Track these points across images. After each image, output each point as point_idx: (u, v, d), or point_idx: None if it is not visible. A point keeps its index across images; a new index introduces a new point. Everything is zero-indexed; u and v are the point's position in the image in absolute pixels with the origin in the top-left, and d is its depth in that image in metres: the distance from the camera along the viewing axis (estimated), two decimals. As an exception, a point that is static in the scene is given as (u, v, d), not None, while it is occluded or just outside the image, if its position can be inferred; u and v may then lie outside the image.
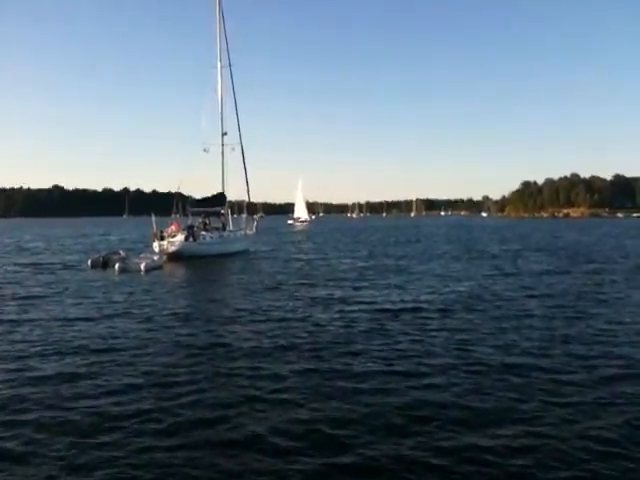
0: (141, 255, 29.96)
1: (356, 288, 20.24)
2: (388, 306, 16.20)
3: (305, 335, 12.41)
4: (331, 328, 13.24)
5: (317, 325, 13.55)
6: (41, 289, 19.96)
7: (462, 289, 19.64)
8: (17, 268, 27.60)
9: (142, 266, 26.16)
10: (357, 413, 7.67)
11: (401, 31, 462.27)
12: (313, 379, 9.21)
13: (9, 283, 21.85)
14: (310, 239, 60.22)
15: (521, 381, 9.09)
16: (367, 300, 17.43)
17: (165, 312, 15.39)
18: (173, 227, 34.27)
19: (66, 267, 28.06)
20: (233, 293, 19.52)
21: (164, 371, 9.63)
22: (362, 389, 8.72)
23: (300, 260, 32.66)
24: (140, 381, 9.05)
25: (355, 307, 16.17)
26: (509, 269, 26.12)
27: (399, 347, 11.32)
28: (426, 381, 9.12)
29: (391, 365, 10.02)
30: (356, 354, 10.79)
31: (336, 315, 14.89)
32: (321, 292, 19.17)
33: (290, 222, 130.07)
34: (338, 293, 18.92)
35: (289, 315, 14.93)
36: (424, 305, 16.33)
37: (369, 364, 10.12)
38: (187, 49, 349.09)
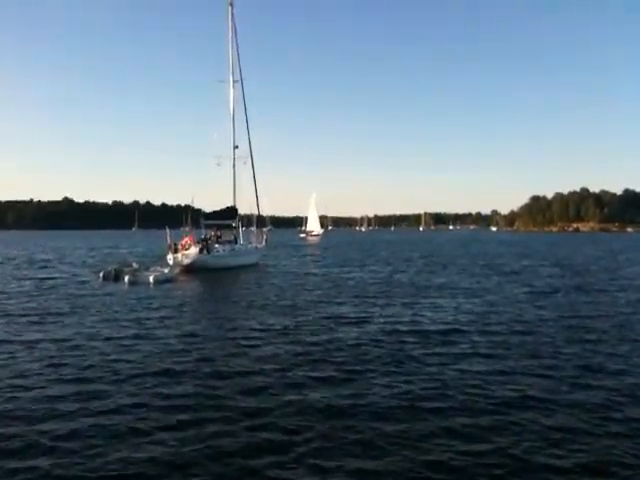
0: (152, 268, 29.96)
1: (382, 306, 19.08)
2: (425, 327, 15.12)
3: (329, 365, 11.00)
4: (363, 355, 11.83)
5: (343, 350, 12.31)
6: (51, 304, 19.63)
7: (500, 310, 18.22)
8: (28, 282, 27.45)
9: (151, 279, 26.15)
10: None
11: (408, 42, 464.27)
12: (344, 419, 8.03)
13: (16, 298, 21.51)
14: (323, 253, 59.66)
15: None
16: (401, 320, 16.19)
17: (164, 331, 14.47)
18: (188, 240, 34.40)
19: (78, 280, 28.02)
20: (243, 311, 18.17)
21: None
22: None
23: (315, 275, 32.05)
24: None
25: (383, 327, 15.11)
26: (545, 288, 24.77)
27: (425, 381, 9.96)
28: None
29: (418, 401, 8.82)
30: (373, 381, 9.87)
31: (367, 338, 13.61)
32: (342, 310, 18.18)
33: (302, 235, 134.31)
34: (365, 311, 17.82)
35: (305, 336, 13.88)
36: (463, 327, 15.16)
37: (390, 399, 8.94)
38: (200, 64, 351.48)
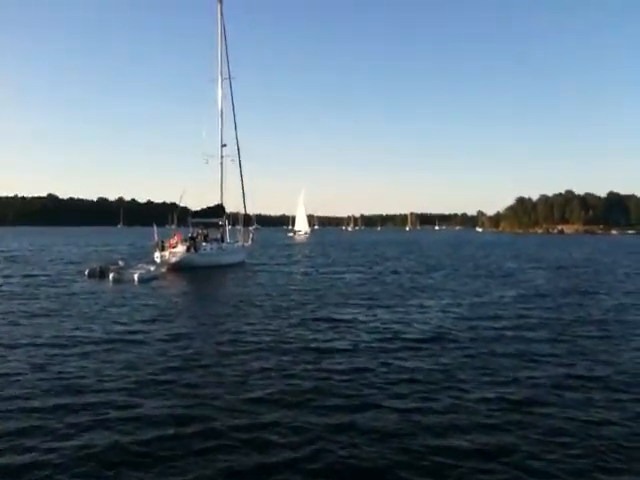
0: (138, 266, 29.71)
1: (369, 307, 18.79)
2: (413, 333, 14.39)
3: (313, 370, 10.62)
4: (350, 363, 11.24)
5: (330, 354, 11.92)
6: (31, 302, 19.24)
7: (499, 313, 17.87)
8: (12, 280, 26.96)
9: (135, 277, 26.01)
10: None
11: (401, 44, 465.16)
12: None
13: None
14: (311, 253, 59.38)
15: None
16: (388, 322, 15.84)
17: (143, 335, 13.95)
18: (176, 238, 34.24)
19: (63, 278, 27.66)
20: (228, 312, 17.64)
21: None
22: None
23: (303, 274, 31.95)
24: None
25: (371, 328, 14.89)
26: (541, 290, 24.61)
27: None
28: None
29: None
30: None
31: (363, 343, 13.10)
32: (329, 313, 17.60)
33: (290, 235, 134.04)
34: (359, 315, 17.21)
35: (281, 339, 13.39)
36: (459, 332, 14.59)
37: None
38: (187, 61, 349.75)
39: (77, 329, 14.37)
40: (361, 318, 16.60)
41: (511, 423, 7.90)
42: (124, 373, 10.21)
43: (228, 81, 39.26)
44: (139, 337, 13.46)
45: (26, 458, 6.63)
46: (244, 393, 9.13)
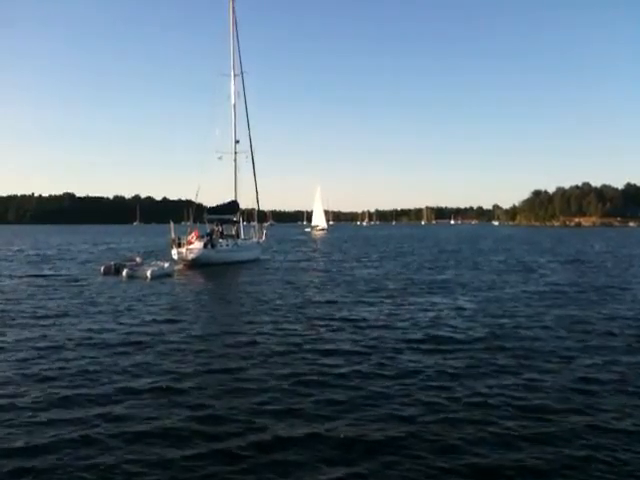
0: (152, 262, 29.91)
1: (397, 305, 17.89)
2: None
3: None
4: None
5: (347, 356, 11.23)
6: (42, 301, 19.12)
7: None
8: (26, 279, 27.15)
9: (148, 273, 26.18)
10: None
11: (411, 41, 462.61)
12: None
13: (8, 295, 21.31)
14: (331, 248, 58.41)
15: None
16: (415, 323, 14.80)
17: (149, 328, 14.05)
18: (194, 234, 34.31)
19: (79, 275, 27.94)
20: (242, 312, 16.92)
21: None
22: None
23: (323, 271, 31.05)
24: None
25: (390, 332, 13.69)
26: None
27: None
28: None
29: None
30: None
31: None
32: (355, 311, 16.80)
33: (307, 230, 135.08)
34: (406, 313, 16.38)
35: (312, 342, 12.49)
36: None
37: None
38: (201, 58, 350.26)
39: (77, 328, 14.08)
40: (384, 317, 15.71)
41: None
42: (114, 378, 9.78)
43: (240, 77, 39.33)
44: (141, 338, 12.91)
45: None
46: (257, 405, 8.37)
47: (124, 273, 26.45)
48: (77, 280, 25.23)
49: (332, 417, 7.86)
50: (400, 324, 14.69)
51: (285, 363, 10.64)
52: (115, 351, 11.57)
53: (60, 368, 10.26)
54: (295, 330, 13.88)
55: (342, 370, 10.23)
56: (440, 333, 13.51)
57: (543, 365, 10.55)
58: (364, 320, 15.29)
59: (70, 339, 12.70)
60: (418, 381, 9.57)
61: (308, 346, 12.09)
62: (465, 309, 17.26)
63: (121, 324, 14.67)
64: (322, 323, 14.88)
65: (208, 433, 7.30)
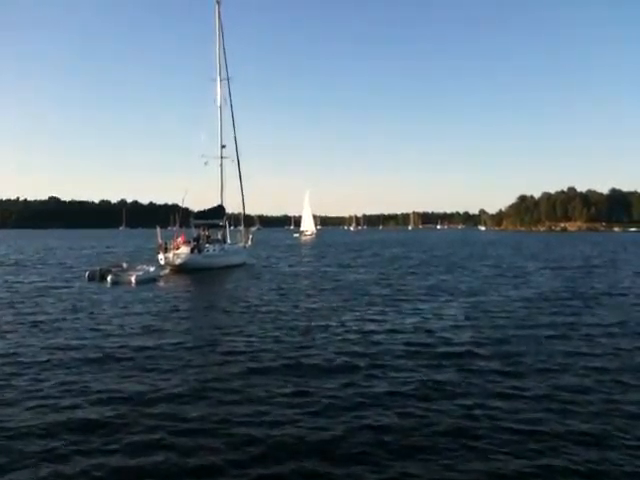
0: (138, 267, 29.63)
1: (381, 314, 17.36)
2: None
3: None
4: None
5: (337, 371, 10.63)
6: (23, 307, 19.03)
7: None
8: (7, 285, 26.91)
9: (133, 278, 25.97)
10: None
11: (401, 44, 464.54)
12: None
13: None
14: (319, 253, 58.15)
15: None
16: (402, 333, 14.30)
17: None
18: (180, 239, 34.18)
19: (63, 280, 27.68)
20: (226, 320, 16.35)
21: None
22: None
23: (311, 276, 30.71)
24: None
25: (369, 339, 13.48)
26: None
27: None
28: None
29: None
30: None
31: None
32: (345, 318, 16.35)
33: (296, 235, 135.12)
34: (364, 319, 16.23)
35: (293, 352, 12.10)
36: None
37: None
38: (186, 62, 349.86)
39: (51, 340, 13.42)
40: (373, 325, 15.39)
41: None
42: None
43: (227, 82, 39.44)
44: (116, 350, 12.32)
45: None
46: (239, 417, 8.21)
47: (108, 279, 26.22)
48: (59, 287, 24.81)
49: (314, 425, 7.79)
50: (390, 332, 14.52)
51: (271, 375, 10.36)
52: (85, 366, 10.94)
53: (31, 382, 9.86)
54: (283, 339, 13.50)
55: (328, 379, 10.12)
56: (428, 341, 13.34)
57: (530, 375, 10.51)
58: (353, 328, 14.96)
59: (43, 350, 12.22)
60: (409, 390, 9.49)
61: (294, 354, 11.94)
62: (454, 316, 17.20)
63: (98, 334, 14.13)
64: (311, 332, 14.53)
65: (186, 445, 7.16)
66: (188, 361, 11.32)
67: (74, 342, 13.14)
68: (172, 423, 7.85)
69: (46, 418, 8.06)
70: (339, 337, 13.83)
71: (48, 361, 11.28)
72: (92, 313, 17.48)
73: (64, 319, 16.35)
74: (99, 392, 9.25)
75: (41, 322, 15.80)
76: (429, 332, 14.48)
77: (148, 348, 12.49)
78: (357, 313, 17.55)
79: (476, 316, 17.01)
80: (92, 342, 13.19)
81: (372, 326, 15.28)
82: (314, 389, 9.45)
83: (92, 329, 14.88)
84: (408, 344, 12.90)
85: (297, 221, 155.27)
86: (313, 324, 15.53)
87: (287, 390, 9.38)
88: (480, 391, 9.35)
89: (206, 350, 12.38)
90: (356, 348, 12.57)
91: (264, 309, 18.37)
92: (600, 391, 9.35)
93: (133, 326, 15.28)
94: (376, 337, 13.83)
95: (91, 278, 27.49)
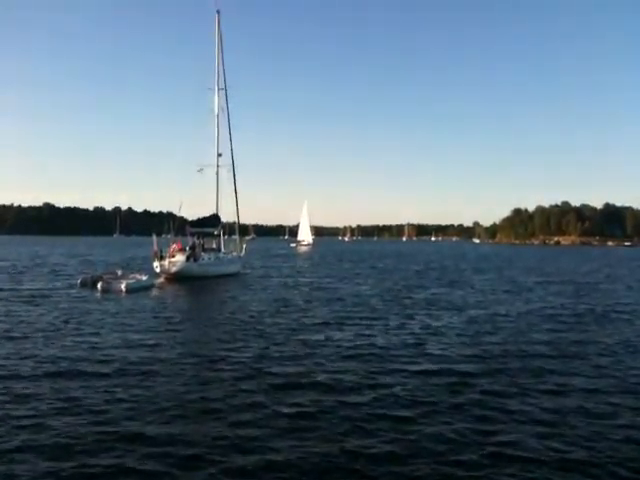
0: (130, 275, 29.41)
1: (373, 326, 17.03)
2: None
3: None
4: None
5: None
6: (15, 317, 18.53)
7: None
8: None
9: (123, 287, 25.74)
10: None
11: (397, 53, 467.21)
12: None
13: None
14: (316, 264, 57.32)
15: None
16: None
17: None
18: (176, 247, 33.97)
19: (55, 289, 27.18)
20: (213, 336, 15.36)
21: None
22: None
23: (308, 289, 29.37)
24: None
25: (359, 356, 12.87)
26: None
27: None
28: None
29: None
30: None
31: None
32: (343, 335, 15.56)
33: (293, 245, 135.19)
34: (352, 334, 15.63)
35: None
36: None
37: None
38: (186, 70, 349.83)
39: (28, 352, 12.85)
40: (369, 339, 14.94)
41: None
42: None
43: (224, 91, 39.47)
44: (90, 364, 11.65)
45: None
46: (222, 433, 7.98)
47: (99, 286, 26.02)
48: (49, 295, 24.22)
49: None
50: (385, 347, 14.24)
51: (263, 393, 9.91)
52: (53, 381, 10.35)
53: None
54: (276, 355, 12.92)
55: (321, 395, 9.90)
56: (425, 357, 13.04)
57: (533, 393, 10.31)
58: (349, 344, 14.44)
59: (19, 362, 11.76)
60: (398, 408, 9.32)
61: (288, 370, 11.67)
62: (453, 329, 17.03)
63: (76, 346, 13.53)
64: (305, 347, 13.97)
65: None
66: (163, 375, 10.85)
67: (41, 353, 12.64)
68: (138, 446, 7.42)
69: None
70: (332, 351, 13.51)
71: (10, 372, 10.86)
72: (67, 322, 16.97)
73: (42, 329, 15.79)
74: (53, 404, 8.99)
75: (13, 331, 15.36)
76: (430, 348, 14.20)
77: (116, 360, 11.99)
78: (351, 327, 17.06)
79: (477, 330, 16.76)
80: (55, 353, 12.59)
81: (367, 340, 14.95)
82: (311, 407, 9.15)
83: (64, 339, 14.36)
84: (413, 363, 12.45)
85: (292, 231, 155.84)
86: (309, 338, 15.05)
87: (284, 410, 9.08)
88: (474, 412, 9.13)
89: (187, 365, 11.74)
90: (343, 363, 12.17)
91: (255, 322, 17.75)
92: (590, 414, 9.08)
93: (108, 337, 14.71)
94: (371, 351, 13.56)
95: (83, 285, 27.32)
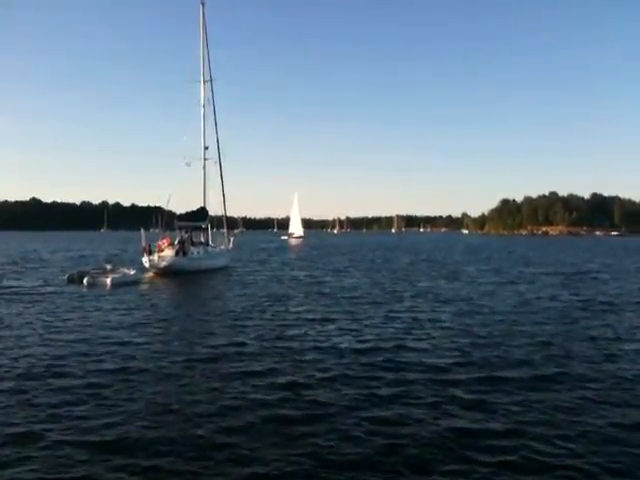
0: (118, 270, 29.14)
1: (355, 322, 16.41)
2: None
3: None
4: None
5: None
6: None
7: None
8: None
9: (108, 281, 25.51)
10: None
11: (385, 45, 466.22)
12: None
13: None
14: (309, 257, 57.00)
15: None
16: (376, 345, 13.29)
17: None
18: (165, 241, 33.72)
19: (42, 282, 27.12)
20: (200, 330, 15.07)
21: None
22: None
23: (298, 283, 28.66)
24: None
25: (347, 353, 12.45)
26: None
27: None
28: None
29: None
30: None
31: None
32: (332, 331, 15.14)
33: (284, 237, 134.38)
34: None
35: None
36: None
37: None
38: (171, 61, 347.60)
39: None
40: (362, 335, 14.53)
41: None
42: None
43: (210, 83, 39.18)
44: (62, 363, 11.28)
45: None
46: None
47: (84, 281, 25.74)
48: (34, 291, 23.76)
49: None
50: (379, 342, 14.06)
51: (252, 391, 9.64)
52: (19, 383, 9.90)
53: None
54: (266, 351, 12.60)
55: (313, 394, 9.77)
56: (415, 353, 12.68)
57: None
58: (344, 339, 14.25)
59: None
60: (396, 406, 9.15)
61: (278, 365, 11.46)
62: (446, 321, 16.88)
63: (53, 343, 13.17)
64: (294, 343, 13.64)
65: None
66: (140, 373, 10.52)
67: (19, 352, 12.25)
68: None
69: None
70: (321, 345, 13.32)
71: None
72: (45, 318, 16.65)
73: (19, 326, 15.44)
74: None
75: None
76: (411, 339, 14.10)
77: (85, 355, 11.85)
78: (342, 322, 16.68)
79: (467, 323, 16.53)
80: (32, 352, 12.20)
81: (358, 336, 14.78)
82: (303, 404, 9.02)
83: (41, 334, 14.19)
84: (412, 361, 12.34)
85: (281, 224, 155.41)
86: (301, 332, 14.85)
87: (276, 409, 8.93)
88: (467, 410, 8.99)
89: (166, 363, 11.34)
90: (336, 360, 11.90)
91: (244, 317, 17.30)
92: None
93: (86, 334, 14.36)
94: (364, 348, 13.38)
95: (70, 280, 27.05)
